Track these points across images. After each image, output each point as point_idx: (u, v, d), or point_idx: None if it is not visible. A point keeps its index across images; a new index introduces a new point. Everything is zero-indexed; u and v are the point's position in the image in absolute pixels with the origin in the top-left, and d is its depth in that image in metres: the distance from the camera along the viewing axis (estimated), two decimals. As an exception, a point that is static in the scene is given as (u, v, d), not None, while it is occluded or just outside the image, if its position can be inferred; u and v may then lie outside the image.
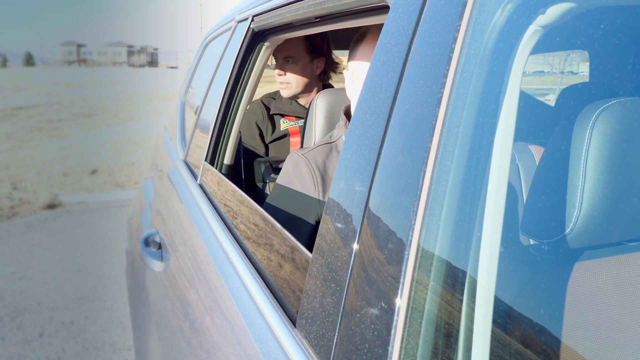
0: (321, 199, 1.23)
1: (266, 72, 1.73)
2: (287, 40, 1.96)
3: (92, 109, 15.40)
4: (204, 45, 2.33)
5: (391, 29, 0.72)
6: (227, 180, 1.40)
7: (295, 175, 1.26)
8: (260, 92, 2.16)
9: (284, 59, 2.03)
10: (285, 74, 2.04)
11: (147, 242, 1.60)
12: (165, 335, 1.33)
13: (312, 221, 1.23)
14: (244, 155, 1.94)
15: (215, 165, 1.67)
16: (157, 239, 1.62)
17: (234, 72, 1.56)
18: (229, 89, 1.57)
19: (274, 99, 2.16)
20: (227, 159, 1.68)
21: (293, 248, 1.28)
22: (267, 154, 2.11)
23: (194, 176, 1.65)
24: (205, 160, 1.57)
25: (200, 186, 1.54)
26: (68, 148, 9.14)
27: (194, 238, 1.34)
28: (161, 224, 1.74)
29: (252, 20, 1.51)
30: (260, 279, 0.94)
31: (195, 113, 1.93)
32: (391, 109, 0.66)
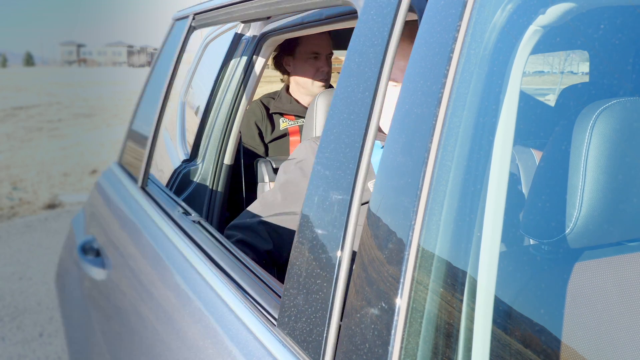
0: None
1: (266, 72, 1.73)
2: (324, 37, 2.00)
3: (92, 109, 15.40)
4: (203, 45, 2.33)
5: (364, 31, 0.72)
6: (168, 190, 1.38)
7: (310, 160, 1.26)
8: (260, 92, 2.16)
9: (328, 55, 2.08)
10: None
11: (84, 249, 1.53)
12: (117, 345, 1.28)
13: None
14: (243, 155, 1.94)
15: (215, 165, 1.67)
16: (95, 246, 1.55)
17: (175, 71, 1.52)
18: (171, 89, 1.53)
19: (274, 98, 2.16)
20: (227, 159, 1.68)
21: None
22: (266, 153, 2.11)
23: (134, 180, 1.59)
24: (147, 163, 1.51)
25: (144, 190, 1.49)
26: (68, 148, 9.15)
27: (143, 243, 1.30)
28: (99, 230, 1.67)
29: (194, 18, 1.48)
30: (229, 281, 0.93)
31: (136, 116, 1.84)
32: (370, 110, 0.67)
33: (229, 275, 0.95)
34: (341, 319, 0.65)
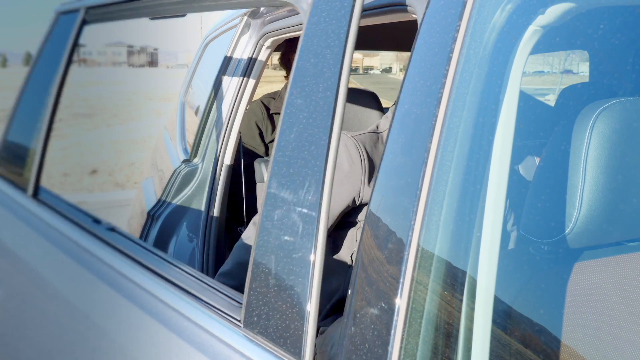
0: (365, 183, 1.21)
1: (266, 72, 1.73)
2: None
3: (92, 108, 15.38)
4: (203, 45, 2.33)
5: (317, 32, 0.73)
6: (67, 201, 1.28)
7: (343, 152, 1.25)
8: (260, 92, 2.16)
9: None
10: None
11: None
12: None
13: (347, 201, 1.21)
14: (243, 155, 1.94)
15: (215, 165, 1.67)
16: None
17: (67, 69, 1.42)
18: (63, 88, 1.41)
19: (274, 98, 2.17)
20: (227, 159, 1.68)
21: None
22: (266, 154, 2.11)
23: (20, 189, 1.44)
24: (39, 169, 1.39)
25: (37, 199, 1.37)
26: (68, 148, 9.14)
27: (50, 257, 1.19)
28: None
29: (87, 12, 1.38)
30: (176, 288, 0.89)
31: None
32: (334, 108, 0.68)
33: (172, 282, 0.91)
34: (320, 312, 0.66)
